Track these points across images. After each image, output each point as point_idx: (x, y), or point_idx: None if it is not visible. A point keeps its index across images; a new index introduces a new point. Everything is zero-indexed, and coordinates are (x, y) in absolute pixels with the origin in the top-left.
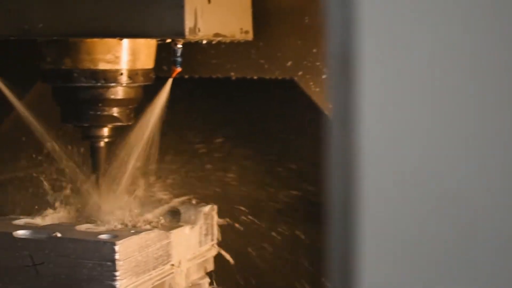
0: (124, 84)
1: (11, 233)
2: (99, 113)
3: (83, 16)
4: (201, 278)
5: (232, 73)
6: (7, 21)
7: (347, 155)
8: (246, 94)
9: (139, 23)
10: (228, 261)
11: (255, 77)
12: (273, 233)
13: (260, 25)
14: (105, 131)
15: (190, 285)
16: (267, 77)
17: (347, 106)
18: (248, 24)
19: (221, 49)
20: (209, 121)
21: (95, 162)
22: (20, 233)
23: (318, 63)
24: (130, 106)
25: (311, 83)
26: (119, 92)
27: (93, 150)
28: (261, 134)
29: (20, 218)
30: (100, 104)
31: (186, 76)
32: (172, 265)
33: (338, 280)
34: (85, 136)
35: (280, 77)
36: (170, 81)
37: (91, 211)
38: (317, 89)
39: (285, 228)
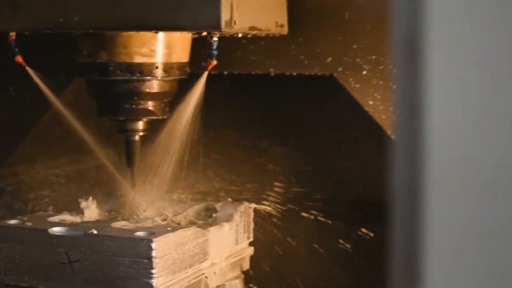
0: (159, 78)
1: (46, 230)
2: (134, 106)
3: (119, 9)
4: (237, 276)
5: (271, 69)
6: (43, 14)
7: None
8: (285, 91)
9: (175, 16)
10: (263, 259)
11: (294, 73)
12: (309, 233)
13: (300, 21)
14: (140, 124)
15: (226, 283)
16: (307, 73)
17: (412, 98)
18: (283, 18)
19: (260, 45)
20: (246, 118)
21: (130, 156)
22: (56, 230)
23: (358, 59)
24: (165, 100)
25: (351, 79)
26: (154, 85)
27: (128, 144)
28: (299, 131)
29: (55, 215)
30: (135, 98)
31: (225, 73)
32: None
33: (403, 280)
34: (120, 130)
35: (319, 73)
36: (205, 74)
37: (126, 207)
38: (357, 86)
39: (323, 227)
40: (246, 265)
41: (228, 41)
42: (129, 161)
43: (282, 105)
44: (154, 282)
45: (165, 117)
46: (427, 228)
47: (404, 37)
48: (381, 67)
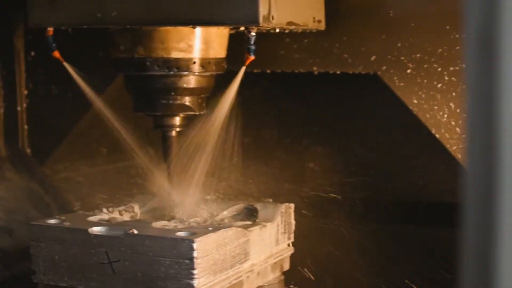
0: (196, 73)
1: (86, 230)
2: (171, 102)
3: (156, 4)
4: (278, 277)
5: (315, 68)
6: (81, 9)
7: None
8: (328, 89)
9: (213, 11)
10: (304, 260)
11: (338, 72)
12: (352, 233)
13: (344, 19)
14: (177, 120)
15: (266, 284)
16: (350, 71)
17: (486, 95)
18: (320, 14)
19: (304, 43)
20: (287, 117)
21: (167, 151)
22: (96, 229)
23: (402, 58)
24: (202, 95)
25: (395, 78)
26: (191, 81)
27: (165, 139)
28: (341, 130)
29: (95, 214)
30: (172, 93)
31: (268, 71)
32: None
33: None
34: (157, 126)
35: (363, 72)
36: (243, 69)
37: (165, 207)
38: (401, 84)
39: (365, 227)
40: (286, 266)
41: (272, 40)
42: (166, 157)
43: (324, 104)
44: (195, 282)
45: (202, 112)
46: (501, 229)
47: (476, 34)
48: (425, 66)
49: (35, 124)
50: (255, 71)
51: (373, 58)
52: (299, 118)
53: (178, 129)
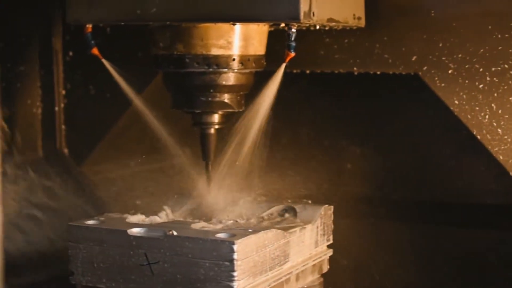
0: (235, 70)
1: (125, 231)
2: (210, 99)
3: (196, 0)
4: (317, 279)
5: (355, 68)
6: (119, 6)
7: None
8: (368, 90)
9: (253, 7)
10: (342, 262)
11: (378, 72)
12: (390, 234)
13: (384, 19)
14: (216, 117)
15: (306, 286)
16: (391, 72)
17: None
18: (360, 11)
19: (344, 43)
20: (326, 116)
21: (205, 149)
22: (135, 231)
23: (444, 58)
24: (241, 93)
25: (436, 78)
26: (230, 78)
27: (204, 137)
28: (381, 131)
29: (134, 215)
30: (211, 90)
31: (307, 71)
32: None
33: None
34: (195, 123)
35: (404, 72)
36: (283, 66)
37: (204, 208)
38: (443, 85)
39: (402, 229)
40: (325, 268)
41: (312, 39)
42: (204, 155)
43: (363, 104)
44: (235, 285)
45: (241, 110)
46: None
47: None
48: (467, 66)
49: (72, 124)
50: (294, 71)
51: (414, 58)
52: (337, 118)
53: (216, 127)
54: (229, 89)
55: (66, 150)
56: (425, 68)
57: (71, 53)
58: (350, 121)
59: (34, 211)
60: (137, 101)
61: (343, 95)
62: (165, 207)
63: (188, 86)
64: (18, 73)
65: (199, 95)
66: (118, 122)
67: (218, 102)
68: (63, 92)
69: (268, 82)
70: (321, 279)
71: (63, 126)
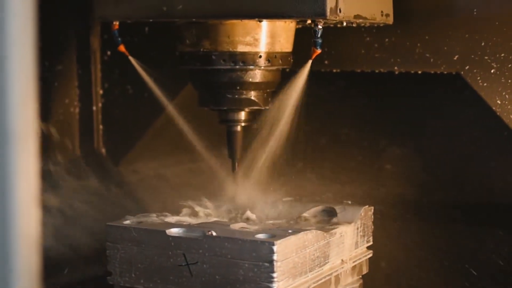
0: (262, 67)
1: (164, 231)
2: (236, 96)
3: None
4: (356, 280)
5: (396, 68)
6: (146, 3)
7: None
8: (408, 89)
9: (279, 3)
10: (381, 264)
11: (419, 72)
12: (430, 235)
13: (426, 18)
14: (242, 115)
15: None
16: (432, 71)
17: None
18: (388, 8)
19: (385, 42)
20: (365, 117)
21: (232, 146)
22: (174, 231)
23: (486, 57)
24: (268, 90)
25: (478, 78)
26: (257, 75)
27: (230, 135)
28: (421, 131)
29: (173, 216)
30: (238, 87)
31: (348, 70)
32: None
33: None
34: (222, 120)
35: (445, 72)
36: (309, 63)
37: (241, 208)
38: (485, 84)
39: (443, 230)
40: (365, 269)
41: (352, 38)
42: (231, 152)
43: (403, 104)
44: (274, 286)
45: (267, 107)
46: None
47: None
48: (510, 65)
49: (110, 124)
50: (334, 70)
51: (456, 57)
52: (376, 118)
53: (243, 124)
54: (255, 86)
55: (103, 150)
56: (467, 67)
57: (109, 52)
58: (390, 121)
59: (72, 211)
60: (163, 98)
61: (383, 95)
62: (203, 207)
63: (214, 83)
64: (56, 72)
65: (225, 92)
66: (155, 121)
67: (245, 99)
68: (101, 91)
69: (294, 80)
70: (361, 281)
71: (100, 126)
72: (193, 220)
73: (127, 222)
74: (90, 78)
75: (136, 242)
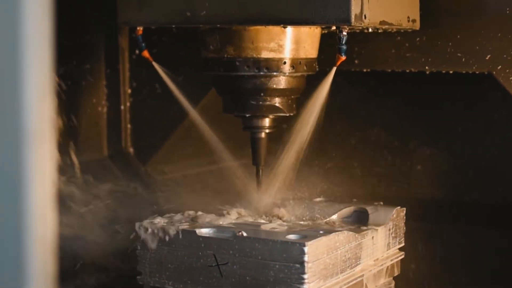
0: (287, 74)
1: (195, 232)
2: (260, 103)
3: (246, 3)
4: (388, 282)
5: (427, 67)
6: (170, 8)
7: None
8: (439, 89)
9: (303, 10)
10: (412, 266)
11: (451, 71)
12: (461, 236)
13: (458, 17)
14: (267, 121)
15: None
16: (463, 71)
17: None
18: (415, 13)
19: (415, 42)
20: (395, 117)
21: (256, 153)
22: (204, 231)
23: None
24: (293, 96)
25: (511, 78)
26: (281, 81)
27: (254, 141)
28: (452, 131)
29: (202, 216)
30: (262, 94)
31: (378, 70)
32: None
33: None
34: (246, 127)
35: (477, 72)
36: (333, 70)
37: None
38: None
39: (474, 231)
40: (397, 271)
41: (382, 38)
42: (255, 159)
43: (434, 104)
44: (305, 287)
45: (292, 114)
46: None
47: None
48: None
49: (138, 124)
50: (364, 70)
51: (488, 57)
52: (406, 118)
53: (267, 131)
54: (279, 92)
55: (131, 150)
56: (499, 67)
57: (137, 52)
58: (420, 121)
59: (100, 211)
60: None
61: (414, 95)
62: (234, 208)
63: (238, 90)
64: (84, 71)
65: (249, 98)
66: (183, 121)
67: (269, 105)
68: (129, 91)
69: (319, 86)
70: (393, 282)
71: (128, 125)
72: (223, 221)
73: (157, 221)
74: (118, 77)
75: (166, 242)
